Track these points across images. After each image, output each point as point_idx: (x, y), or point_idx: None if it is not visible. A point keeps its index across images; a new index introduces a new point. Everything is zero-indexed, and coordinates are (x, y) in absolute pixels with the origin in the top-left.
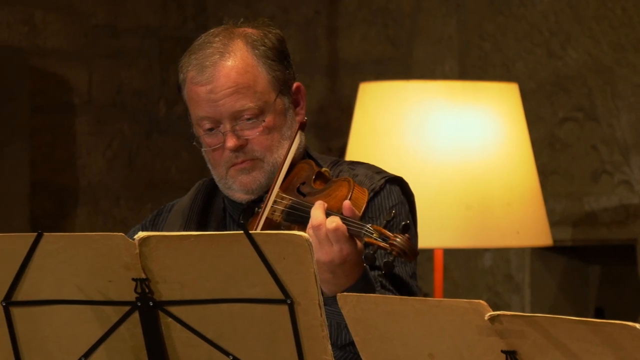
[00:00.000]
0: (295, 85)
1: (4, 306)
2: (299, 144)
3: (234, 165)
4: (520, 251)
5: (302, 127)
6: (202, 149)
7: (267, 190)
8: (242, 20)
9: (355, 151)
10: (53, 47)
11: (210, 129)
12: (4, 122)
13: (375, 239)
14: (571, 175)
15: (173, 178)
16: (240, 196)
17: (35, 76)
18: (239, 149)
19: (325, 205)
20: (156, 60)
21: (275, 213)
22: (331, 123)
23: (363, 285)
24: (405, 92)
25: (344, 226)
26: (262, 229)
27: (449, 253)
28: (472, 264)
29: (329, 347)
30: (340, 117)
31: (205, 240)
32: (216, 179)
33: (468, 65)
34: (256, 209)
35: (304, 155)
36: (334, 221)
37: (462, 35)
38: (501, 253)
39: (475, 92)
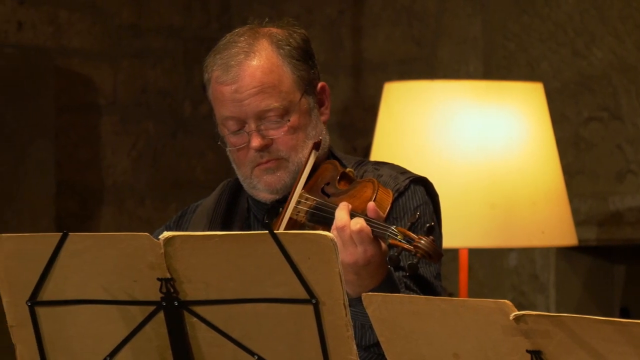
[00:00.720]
0: (320, 85)
1: (29, 306)
2: (326, 144)
3: (259, 165)
4: (545, 251)
5: (317, 146)
6: (227, 149)
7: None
8: (267, 20)
9: (379, 151)
10: (78, 47)
11: (236, 129)
12: (30, 122)
13: (400, 241)
14: (596, 175)
15: (198, 178)
16: (264, 196)
17: (60, 76)
18: (263, 148)
19: (350, 206)
20: (181, 60)
21: (300, 214)
22: (355, 123)
23: (387, 286)
24: (430, 92)
25: (368, 228)
26: (285, 230)
27: (474, 253)
28: (497, 263)
29: (354, 347)
30: (365, 117)
31: (230, 240)
32: (241, 179)
33: (493, 65)
34: (280, 209)
35: (328, 155)
36: (358, 223)
37: (486, 35)
38: (526, 253)
39: (500, 92)
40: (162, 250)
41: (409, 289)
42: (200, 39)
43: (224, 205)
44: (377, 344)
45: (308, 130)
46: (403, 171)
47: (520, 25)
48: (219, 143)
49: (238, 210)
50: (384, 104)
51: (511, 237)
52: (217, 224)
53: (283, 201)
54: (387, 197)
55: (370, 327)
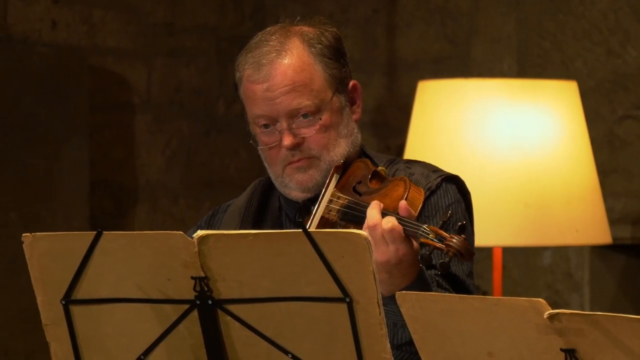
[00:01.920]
0: (351, 83)
1: (63, 304)
2: (357, 142)
3: (291, 164)
4: (579, 249)
5: (338, 169)
6: (259, 147)
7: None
8: (298, 18)
9: (413, 149)
10: (112, 46)
11: (266, 126)
12: (64, 121)
13: (432, 240)
14: (630, 173)
15: (231, 177)
16: (296, 194)
17: (94, 75)
18: (295, 147)
19: (382, 205)
20: (214, 59)
21: (331, 212)
22: (389, 121)
23: (419, 285)
24: (464, 90)
25: (400, 227)
26: (317, 228)
27: (508, 251)
28: (531, 262)
29: (388, 345)
30: (399, 115)
31: (264, 239)
32: (272, 177)
33: (527, 63)
34: (312, 207)
35: (360, 153)
36: (390, 221)
37: (520, 33)
38: (560, 251)
39: (534, 91)
40: (196, 249)
41: (440, 287)
42: (234, 38)
43: (256, 205)
44: (409, 343)
45: (340, 128)
46: (435, 169)
47: (555, 24)
48: (250, 141)
49: (269, 209)
50: (417, 102)
51: (545, 235)
52: (248, 223)
53: (314, 200)
54: (419, 196)
55: (402, 325)
